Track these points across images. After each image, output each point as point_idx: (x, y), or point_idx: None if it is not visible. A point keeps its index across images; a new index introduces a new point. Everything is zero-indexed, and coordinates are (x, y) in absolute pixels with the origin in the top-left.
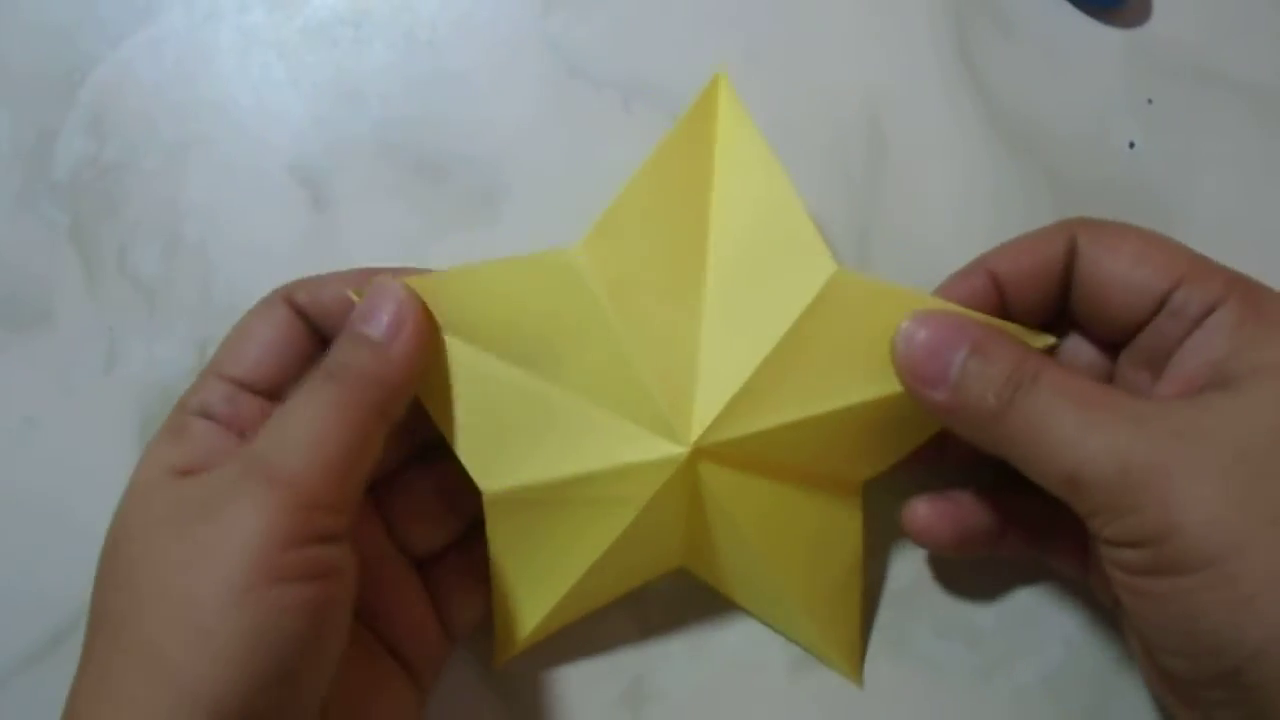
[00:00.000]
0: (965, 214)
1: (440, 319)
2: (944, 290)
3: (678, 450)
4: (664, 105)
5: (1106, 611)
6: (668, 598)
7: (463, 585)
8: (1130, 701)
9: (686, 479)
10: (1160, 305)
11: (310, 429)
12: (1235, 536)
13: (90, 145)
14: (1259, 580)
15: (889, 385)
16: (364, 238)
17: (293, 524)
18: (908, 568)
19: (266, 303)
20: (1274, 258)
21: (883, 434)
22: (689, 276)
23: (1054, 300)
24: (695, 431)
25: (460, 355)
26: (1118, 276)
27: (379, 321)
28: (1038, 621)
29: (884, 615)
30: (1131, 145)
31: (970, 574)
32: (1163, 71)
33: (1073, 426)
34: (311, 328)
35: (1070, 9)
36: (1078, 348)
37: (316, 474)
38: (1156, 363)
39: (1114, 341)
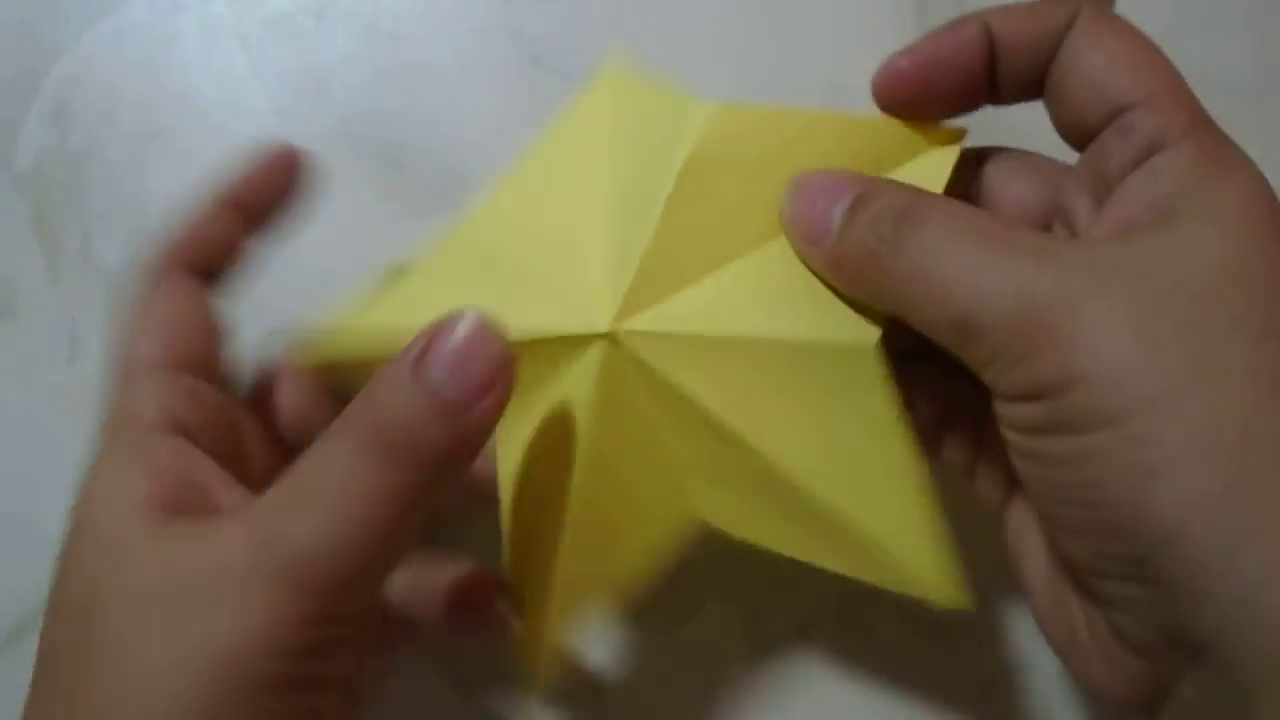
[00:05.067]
0: None
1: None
2: (931, 38)
3: (596, 328)
4: None
5: None
6: None
7: None
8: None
9: (617, 366)
10: (1114, 119)
11: (344, 519)
12: (1147, 389)
13: (53, 136)
14: (1172, 447)
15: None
16: (327, 229)
17: (304, 636)
18: None
19: (154, 275)
20: None
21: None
22: (589, 202)
23: (1041, 78)
24: (609, 315)
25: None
26: (1086, 71)
27: (459, 370)
28: (1001, 610)
29: (846, 605)
30: None
31: None
32: None
33: (965, 262)
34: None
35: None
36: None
37: (343, 577)
38: (1096, 189)
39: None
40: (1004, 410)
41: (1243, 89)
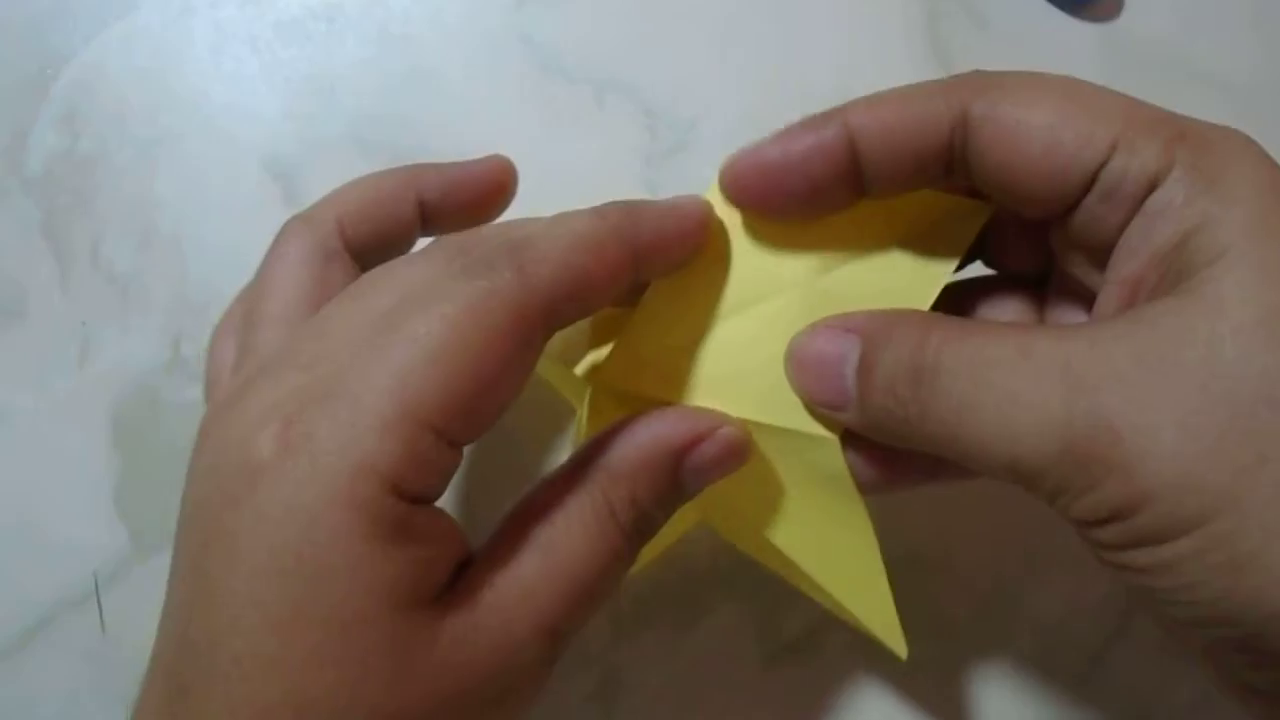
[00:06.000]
0: None
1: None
2: (785, 137)
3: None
4: (636, 100)
5: (1069, 592)
6: (638, 590)
7: None
8: (1104, 682)
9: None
10: (1091, 184)
11: (585, 589)
12: (1217, 490)
13: (63, 140)
14: (1255, 537)
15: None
16: None
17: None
18: None
19: (313, 237)
20: None
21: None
22: None
23: (929, 182)
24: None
25: None
26: (1030, 159)
27: (705, 479)
28: (1007, 610)
29: None
30: None
31: (939, 565)
32: (1135, 66)
33: (996, 409)
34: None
35: (1043, 4)
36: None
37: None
38: (1093, 247)
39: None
40: (1082, 533)
41: (1247, 92)
